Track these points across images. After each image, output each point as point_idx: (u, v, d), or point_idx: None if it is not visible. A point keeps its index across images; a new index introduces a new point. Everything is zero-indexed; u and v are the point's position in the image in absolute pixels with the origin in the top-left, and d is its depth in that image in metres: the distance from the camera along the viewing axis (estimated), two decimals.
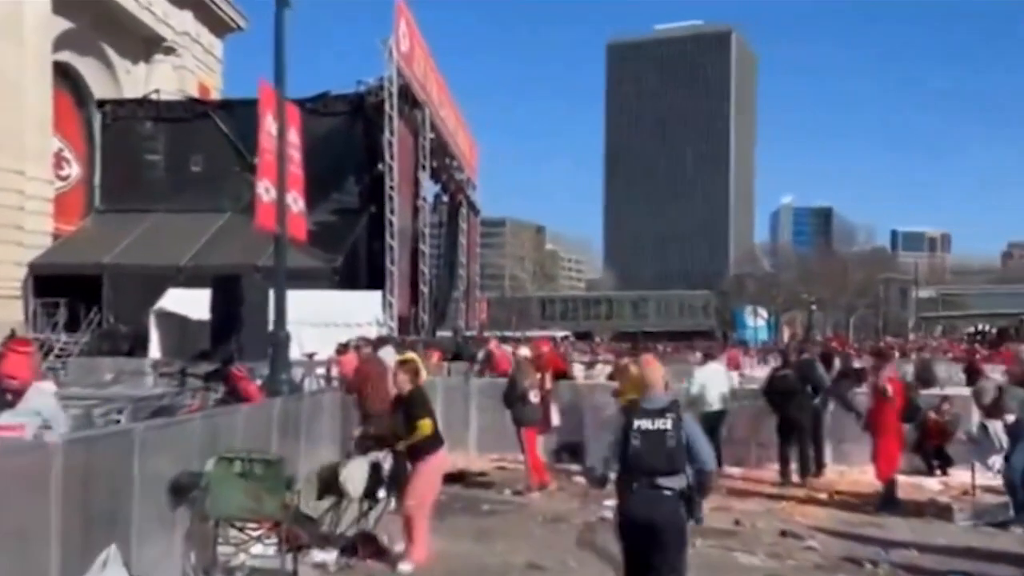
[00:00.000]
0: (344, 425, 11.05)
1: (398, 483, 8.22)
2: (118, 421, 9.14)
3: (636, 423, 5.34)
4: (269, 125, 12.94)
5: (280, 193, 12.32)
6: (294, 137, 13.67)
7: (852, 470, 12.68)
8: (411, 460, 7.75)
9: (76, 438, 4.98)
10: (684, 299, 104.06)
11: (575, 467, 13.05)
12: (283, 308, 11.93)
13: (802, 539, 9.11)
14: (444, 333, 36.01)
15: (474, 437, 14.50)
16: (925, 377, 19.03)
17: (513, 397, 11.90)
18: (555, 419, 12.47)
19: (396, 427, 7.84)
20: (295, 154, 13.63)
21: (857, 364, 16.41)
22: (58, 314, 27.54)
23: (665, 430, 5.30)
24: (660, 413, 5.36)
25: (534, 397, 11.86)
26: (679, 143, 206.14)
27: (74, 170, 48.44)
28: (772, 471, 12.61)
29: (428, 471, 7.68)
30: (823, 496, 11.53)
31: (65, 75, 48.55)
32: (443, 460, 7.97)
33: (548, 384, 12.62)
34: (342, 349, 14.15)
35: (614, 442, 5.44)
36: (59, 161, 48.27)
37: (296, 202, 13.71)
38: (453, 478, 10.53)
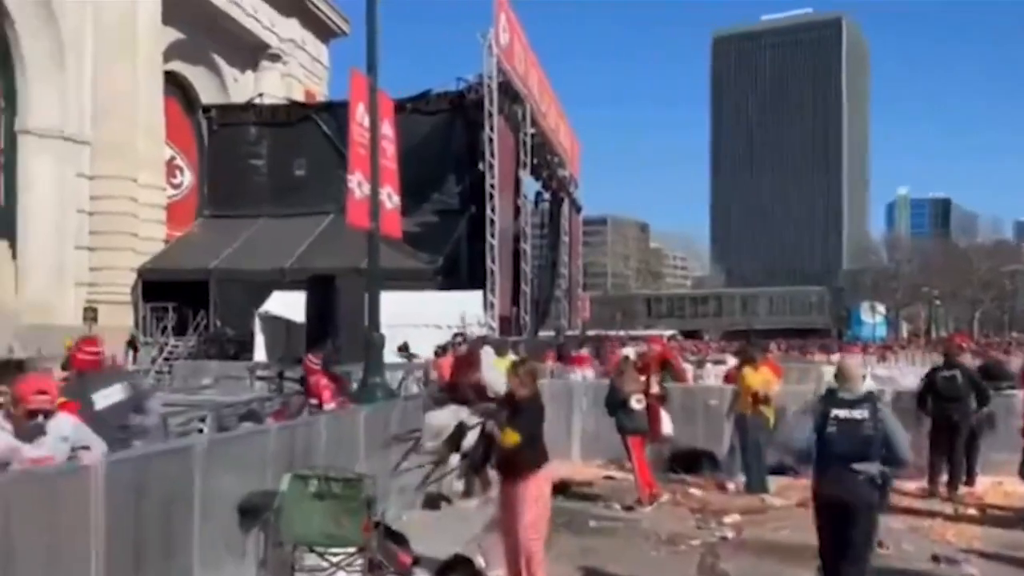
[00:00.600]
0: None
1: (473, 463, 7.58)
2: (201, 430, 8.68)
3: (833, 412, 5.71)
4: (361, 116, 12.35)
5: (373, 187, 11.74)
6: (387, 129, 13.08)
7: (1005, 481, 11.32)
8: (509, 474, 6.89)
9: (122, 458, 4.37)
10: (796, 295, 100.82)
11: (689, 478, 12.10)
12: (377, 308, 11.36)
13: (957, 564, 7.98)
14: (546, 333, 35.28)
15: (578, 443, 13.57)
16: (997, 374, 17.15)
17: (615, 403, 10.96)
18: (667, 427, 11.38)
19: (499, 423, 7.07)
20: (388, 147, 13.03)
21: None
22: (167, 318, 27.90)
23: (862, 419, 5.65)
24: (857, 403, 5.73)
25: (637, 403, 10.85)
26: (788, 135, 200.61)
27: (187, 178, 49.72)
28: (914, 483, 11.34)
29: (536, 497, 6.73)
30: (973, 512, 10.28)
31: (177, 85, 49.95)
32: (549, 477, 7.09)
33: (655, 388, 11.56)
34: (440, 351, 13.51)
35: (809, 430, 5.80)
36: (172, 169, 49.67)
37: (390, 198, 13.13)
38: (555, 489, 9.68)
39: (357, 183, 12.43)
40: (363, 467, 7.62)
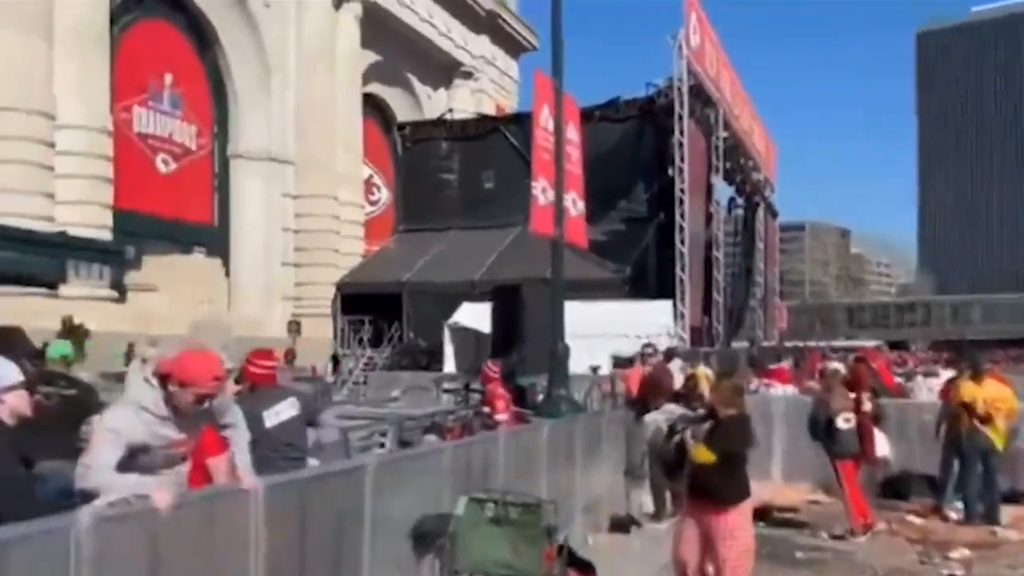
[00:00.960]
0: (629, 450, 9.79)
1: (665, 472, 7.18)
2: (382, 444, 8.52)
3: None
4: (545, 120, 11.99)
5: (558, 192, 11.38)
6: (572, 133, 12.68)
7: None
8: (697, 498, 6.27)
9: (285, 481, 4.10)
10: (1017, 302, 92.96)
11: (905, 505, 10.94)
12: (561, 318, 10.97)
13: None
14: (740, 343, 33.95)
15: (779, 463, 12.58)
16: None
17: (819, 423, 9.96)
18: (882, 449, 10.20)
19: (696, 435, 6.49)
20: (573, 152, 12.62)
21: None
22: (363, 330, 28.74)
23: None
24: None
25: (844, 423, 9.78)
26: (1003, 133, 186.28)
27: (384, 195, 51.79)
28: None
29: (732, 531, 6.05)
30: None
31: (374, 106, 52.13)
32: (748, 511, 6.40)
33: (867, 405, 10.39)
34: (626, 363, 12.93)
35: None
36: (370, 187, 51.92)
37: (575, 204, 12.71)
38: (756, 514, 8.88)
39: (541, 189, 12.06)
40: (545, 486, 7.21)
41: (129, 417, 3.78)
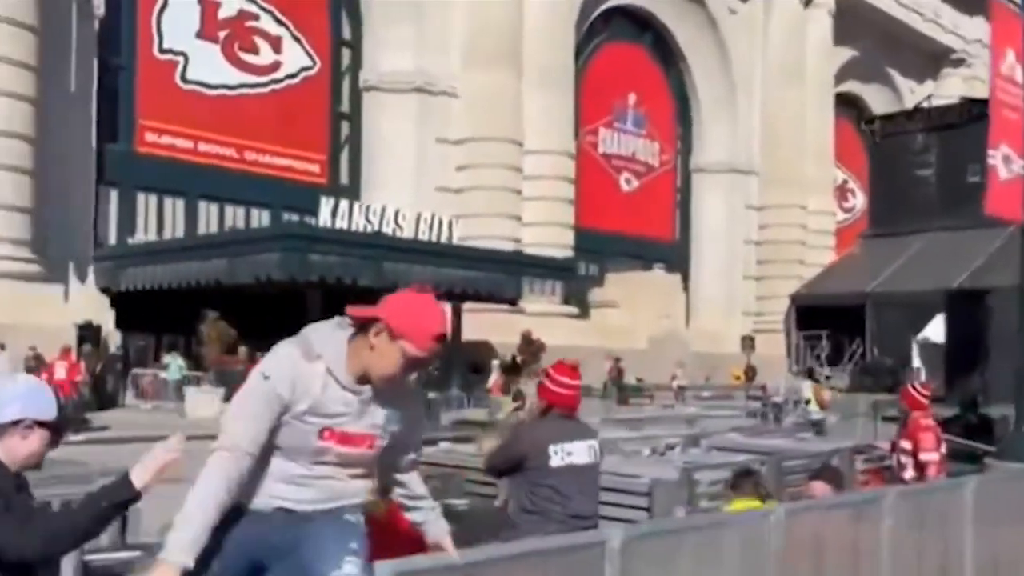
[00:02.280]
0: None
1: None
2: None
3: None
4: (1009, 68, 9.05)
5: None
6: None
7: None
8: None
9: (483, 558, 2.65)
10: None
11: None
12: None
13: None
14: None
15: None
16: None
17: None
18: None
19: None
20: None
21: None
22: (820, 346, 26.16)
23: None
24: None
25: None
26: None
27: (859, 200, 48.01)
28: None
29: None
30: None
31: (849, 105, 48.64)
32: None
33: None
34: None
35: None
36: (844, 193, 48.45)
37: None
38: None
39: (1002, 158, 9.09)
40: (969, 570, 4.92)
41: (285, 359, 2.37)
